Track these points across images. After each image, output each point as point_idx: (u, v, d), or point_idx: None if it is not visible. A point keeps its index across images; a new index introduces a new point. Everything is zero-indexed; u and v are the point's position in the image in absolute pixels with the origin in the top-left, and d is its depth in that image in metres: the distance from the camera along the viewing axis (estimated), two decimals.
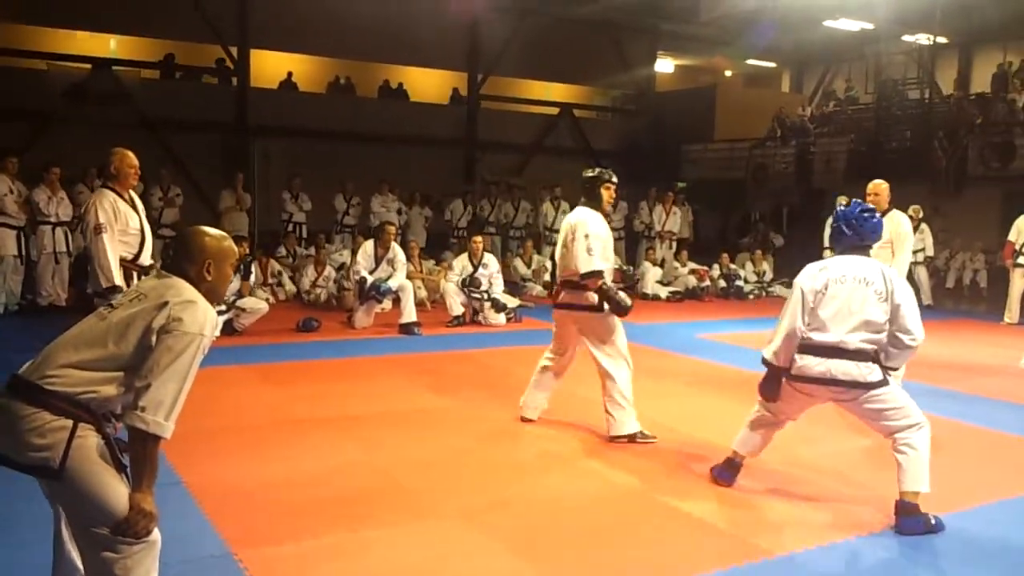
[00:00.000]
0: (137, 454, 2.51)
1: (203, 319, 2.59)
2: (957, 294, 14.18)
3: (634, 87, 20.42)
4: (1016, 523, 4.17)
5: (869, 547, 3.81)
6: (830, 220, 6.24)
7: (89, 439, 2.51)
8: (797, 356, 4.07)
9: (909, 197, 12.97)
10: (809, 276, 4.14)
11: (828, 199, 14.27)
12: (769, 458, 5.08)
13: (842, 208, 4.34)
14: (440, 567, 3.50)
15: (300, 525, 3.85)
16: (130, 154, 5.54)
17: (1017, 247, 10.47)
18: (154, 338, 2.52)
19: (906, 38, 18.44)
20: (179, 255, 2.77)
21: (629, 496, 4.39)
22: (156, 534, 2.61)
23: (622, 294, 5.36)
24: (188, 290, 2.64)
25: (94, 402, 2.53)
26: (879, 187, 6.45)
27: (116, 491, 2.50)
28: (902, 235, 6.56)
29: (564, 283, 5.51)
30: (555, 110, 19.62)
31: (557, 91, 21.06)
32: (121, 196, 5.54)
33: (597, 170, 5.70)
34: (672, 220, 14.44)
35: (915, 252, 12.53)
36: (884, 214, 6.42)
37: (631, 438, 5.30)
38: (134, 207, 5.62)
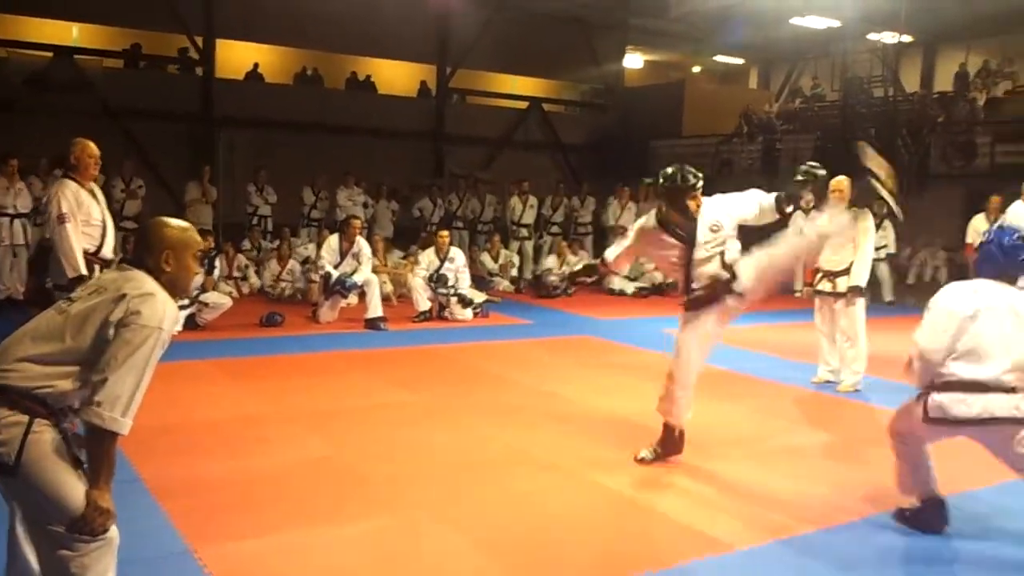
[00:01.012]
0: (94, 450, 2.47)
1: (162, 312, 2.54)
2: (918, 290, 14.35)
3: (603, 82, 20.45)
4: (967, 518, 4.24)
5: (832, 539, 3.85)
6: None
7: (45, 435, 2.46)
8: (935, 395, 3.65)
9: (873, 194, 13.14)
10: (957, 298, 3.73)
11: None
12: (732, 454, 5.12)
13: (997, 231, 3.94)
14: (403, 562, 3.48)
15: (262, 521, 3.82)
16: (91, 144, 5.46)
17: (975, 247, 10.64)
18: (112, 332, 2.48)
19: (871, 36, 18.63)
20: (139, 246, 2.73)
21: (593, 491, 4.40)
22: (114, 531, 2.58)
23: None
24: (148, 282, 2.59)
25: (51, 397, 2.49)
26: (841, 183, 6.51)
27: (73, 488, 2.46)
28: (866, 231, 6.64)
29: None
30: (524, 104, 19.59)
31: (526, 85, 21.03)
32: (82, 187, 5.47)
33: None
34: (627, 215, 14.50)
35: (878, 248, 12.69)
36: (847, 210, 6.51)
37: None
38: (95, 198, 5.55)
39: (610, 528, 3.94)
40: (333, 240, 9.67)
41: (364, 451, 4.93)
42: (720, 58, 24.22)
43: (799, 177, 5.03)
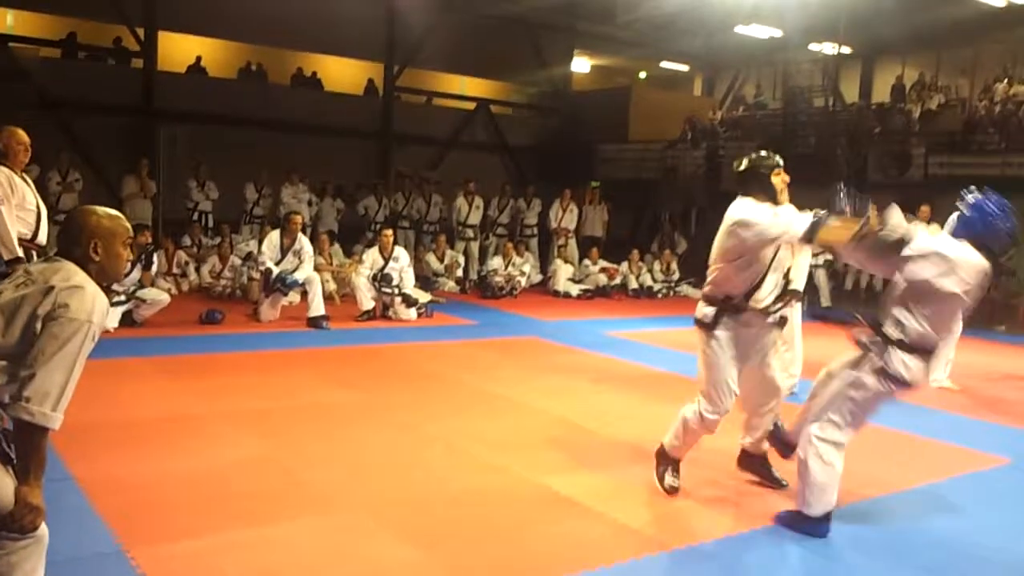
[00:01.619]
0: (24, 446, 2.41)
1: (91, 305, 2.48)
2: (855, 296, 14.71)
3: (550, 85, 20.55)
4: (905, 515, 4.36)
5: (759, 540, 3.93)
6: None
7: None
8: None
9: (812, 201, 13.40)
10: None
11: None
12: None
13: (983, 197, 3.96)
14: (341, 562, 3.46)
15: (197, 522, 3.75)
16: (20, 131, 5.38)
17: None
18: (39, 325, 2.42)
19: (813, 47, 19.07)
20: (66, 236, 2.66)
21: (532, 492, 4.41)
22: (43, 529, 2.52)
23: None
24: (76, 274, 2.53)
25: None
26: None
27: (1, 485, 2.40)
28: None
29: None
30: (471, 105, 19.60)
31: (473, 86, 21.05)
32: (15, 173, 5.38)
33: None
34: (568, 217, 14.62)
35: (816, 255, 12.95)
36: None
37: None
38: (28, 185, 5.46)
39: (550, 527, 3.95)
40: (274, 236, 9.55)
41: (303, 450, 4.88)
42: (666, 64, 24.53)
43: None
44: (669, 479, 4.42)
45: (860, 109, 18.14)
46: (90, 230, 2.62)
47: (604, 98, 21.17)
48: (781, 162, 4.38)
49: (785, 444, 4.44)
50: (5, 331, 2.44)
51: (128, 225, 2.76)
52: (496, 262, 13.14)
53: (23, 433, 2.39)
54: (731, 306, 4.23)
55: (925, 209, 10.76)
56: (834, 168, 15.57)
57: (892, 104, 18.54)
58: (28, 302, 2.45)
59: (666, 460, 4.46)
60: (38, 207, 5.50)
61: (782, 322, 4.42)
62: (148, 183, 12.51)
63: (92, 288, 2.53)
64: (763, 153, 4.41)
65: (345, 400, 6.17)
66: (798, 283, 6.74)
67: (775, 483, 4.60)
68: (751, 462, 4.72)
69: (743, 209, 4.18)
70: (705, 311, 4.30)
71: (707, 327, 4.26)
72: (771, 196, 4.26)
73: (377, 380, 6.87)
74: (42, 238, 5.47)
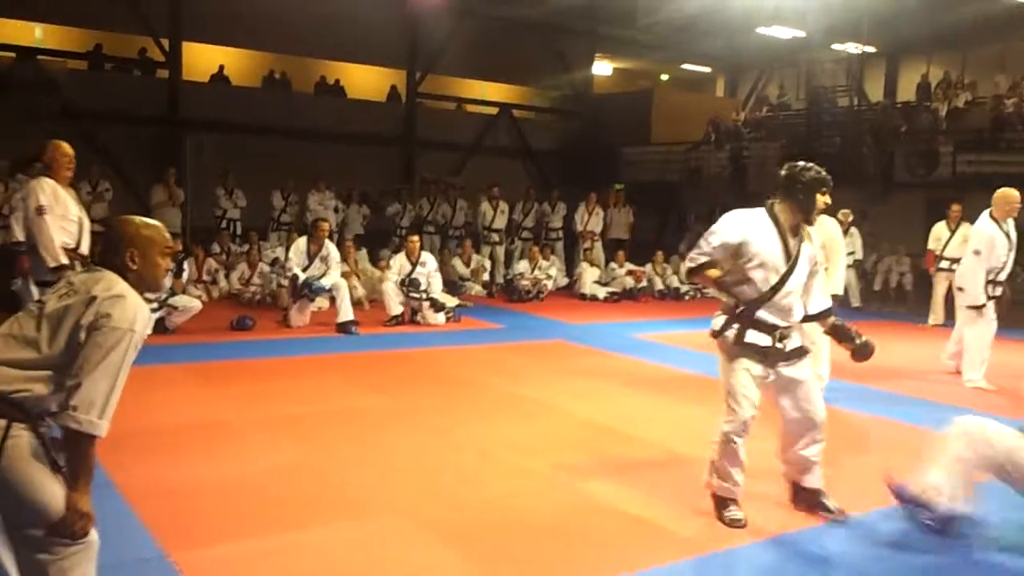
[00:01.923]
0: (72, 454, 2.44)
1: (133, 314, 2.51)
2: (884, 296, 14.59)
3: (572, 89, 20.56)
4: None
5: (803, 540, 3.90)
6: None
7: (23, 439, 2.43)
8: None
9: (838, 201, 13.29)
10: None
11: (762, 202, 14.58)
12: (703, 457, 5.16)
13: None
14: (377, 566, 3.47)
15: (235, 527, 3.78)
16: (64, 144, 5.49)
17: (938, 253, 10.82)
18: (83, 335, 2.45)
19: (836, 47, 18.94)
20: (105, 246, 2.70)
21: (565, 496, 4.41)
22: (94, 535, 2.55)
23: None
24: (117, 284, 2.56)
25: (28, 401, 2.45)
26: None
27: (51, 492, 2.44)
28: (834, 241, 6.61)
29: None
30: (494, 110, 19.65)
31: (496, 91, 21.10)
32: (60, 185, 5.50)
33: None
34: (594, 220, 14.59)
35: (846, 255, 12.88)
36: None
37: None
38: (71, 196, 5.57)
39: (583, 531, 3.94)
40: (301, 243, 9.62)
41: (337, 455, 4.91)
42: (688, 66, 24.47)
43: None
44: (731, 514, 4.03)
45: (885, 108, 17.99)
46: (128, 239, 2.65)
47: (626, 101, 21.16)
48: (830, 182, 4.13)
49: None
50: (51, 342, 2.48)
51: (167, 235, 2.79)
52: (522, 266, 13.15)
53: (71, 441, 2.43)
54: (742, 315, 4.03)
55: (956, 208, 10.65)
56: (860, 168, 15.47)
57: (918, 102, 18.38)
58: (71, 313, 2.49)
59: (723, 503, 4.08)
60: (80, 218, 5.63)
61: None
62: (176, 191, 12.63)
63: (133, 297, 2.56)
64: (813, 167, 4.14)
65: (376, 405, 6.20)
66: (837, 287, 6.65)
67: (828, 512, 4.17)
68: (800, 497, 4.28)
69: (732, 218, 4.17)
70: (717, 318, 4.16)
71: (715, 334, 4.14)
72: (805, 211, 4.07)
73: (407, 384, 6.90)
74: (84, 248, 5.59)
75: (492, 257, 14.12)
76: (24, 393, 2.44)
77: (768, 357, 4.03)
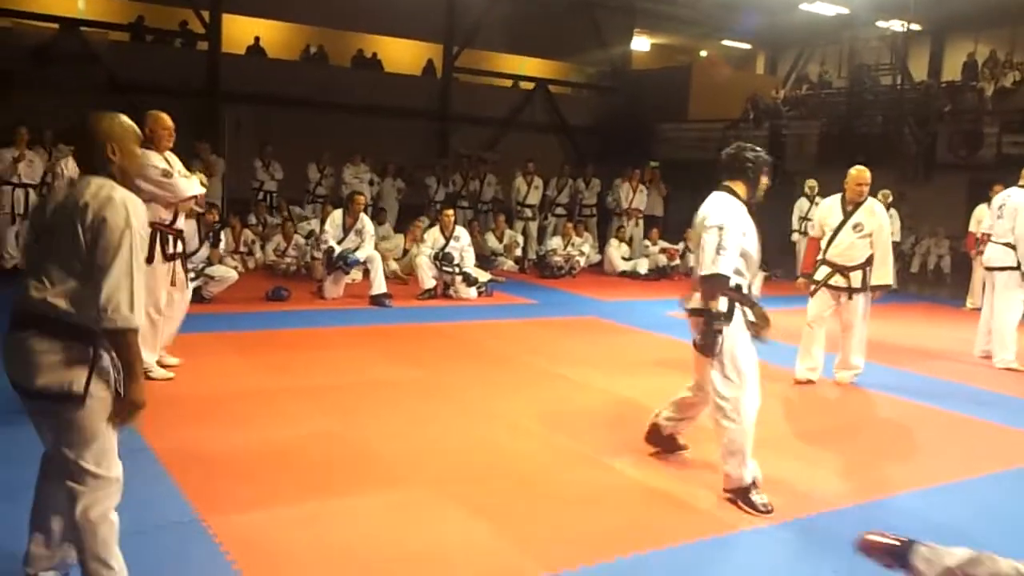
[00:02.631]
0: (119, 350, 2.61)
1: (125, 211, 2.59)
2: (921, 279, 14.40)
3: (610, 64, 20.38)
4: (972, 504, 4.27)
5: (834, 522, 3.88)
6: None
7: (103, 361, 2.63)
8: None
9: (878, 182, 13.10)
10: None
11: (799, 182, 14.39)
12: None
13: None
14: (409, 535, 3.52)
15: (268, 494, 3.85)
16: (164, 116, 5.58)
17: (978, 236, 10.64)
18: (87, 241, 2.55)
19: (880, 24, 18.57)
20: (82, 145, 2.76)
21: (599, 470, 4.43)
22: (119, 471, 2.71)
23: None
24: (103, 186, 2.64)
25: (88, 319, 2.58)
26: (865, 175, 6.47)
27: (106, 430, 2.65)
28: (881, 226, 6.44)
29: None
30: (530, 85, 19.54)
31: (532, 66, 20.96)
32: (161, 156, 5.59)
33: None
34: (639, 198, 14.48)
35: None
36: (861, 203, 6.43)
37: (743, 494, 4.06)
38: (171, 166, 5.64)
39: (613, 506, 3.96)
40: (337, 215, 9.68)
41: (370, 426, 4.96)
42: (728, 43, 24.13)
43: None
44: (757, 499, 3.96)
45: (929, 87, 17.63)
46: (105, 133, 2.73)
47: (664, 77, 20.93)
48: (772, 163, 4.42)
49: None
50: (70, 259, 2.59)
51: (134, 125, 2.85)
52: (555, 242, 13.13)
53: (115, 340, 2.59)
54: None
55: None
56: (901, 148, 15.22)
57: (963, 82, 17.98)
58: (67, 226, 2.58)
59: (744, 490, 4.02)
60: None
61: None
62: (215, 162, 12.71)
63: (121, 194, 2.64)
64: (756, 147, 4.35)
65: (408, 377, 6.25)
66: (888, 276, 6.54)
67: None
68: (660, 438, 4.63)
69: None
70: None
71: None
72: (755, 190, 4.25)
73: (439, 358, 6.94)
74: (179, 223, 5.67)
75: (525, 233, 14.11)
76: (82, 312, 2.57)
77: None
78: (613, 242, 13.55)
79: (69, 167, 7.31)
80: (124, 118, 2.82)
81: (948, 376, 7.21)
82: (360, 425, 4.97)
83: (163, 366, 5.73)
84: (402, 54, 19.77)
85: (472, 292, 10.01)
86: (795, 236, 13.37)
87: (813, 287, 6.64)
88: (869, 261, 6.44)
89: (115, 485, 2.72)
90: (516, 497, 4.01)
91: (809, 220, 13.45)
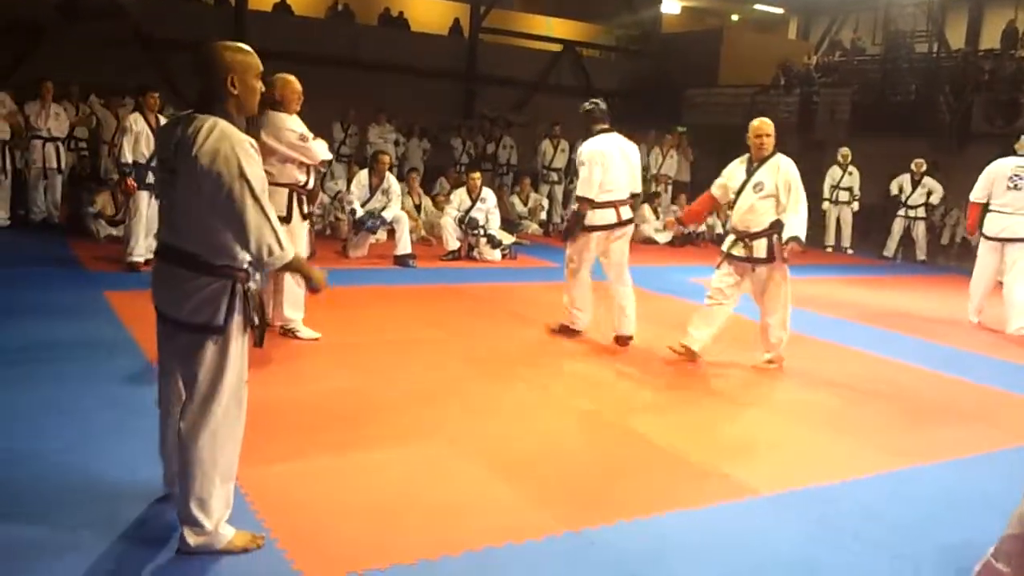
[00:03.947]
0: (290, 272, 3.22)
1: (236, 161, 2.58)
2: (951, 251, 14.21)
3: (639, 27, 20.11)
4: (1003, 475, 4.23)
5: (853, 490, 3.86)
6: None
7: (239, 301, 2.76)
8: None
9: (910, 151, 12.91)
10: None
11: (828, 150, 14.18)
12: (760, 403, 5.14)
13: None
14: (428, 489, 3.53)
15: (292, 446, 3.88)
16: (293, 80, 5.66)
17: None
18: (209, 192, 2.59)
19: None
20: (202, 75, 2.71)
21: (621, 433, 4.42)
22: (240, 399, 2.90)
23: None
24: (210, 135, 2.59)
25: (227, 257, 2.71)
26: (765, 127, 5.79)
27: (243, 353, 2.85)
28: (791, 182, 5.66)
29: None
30: (558, 47, 19.33)
31: (560, 27, 20.73)
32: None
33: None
34: (669, 163, 14.34)
35: (915, 207, 12.54)
36: (767, 160, 5.75)
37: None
38: None
39: (635, 469, 3.96)
40: (363, 176, 9.66)
41: (392, 383, 4.98)
42: (759, 7, 23.70)
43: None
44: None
45: (966, 55, 17.25)
46: (227, 64, 2.70)
47: (694, 41, 20.62)
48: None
49: None
50: (184, 201, 2.67)
51: (258, 59, 2.81)
52: None
53: (281, 272, 3.20)
54: None
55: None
56: (935, 117, 14.94)
57: (1002, 50, 17.56)
58: (187, 174, 2.62)
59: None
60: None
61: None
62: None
63: (228, 145, 2.60)
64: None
65: (431, 337, 6.25)
66: (799, 227, 5.60)
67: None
68: None
69: None
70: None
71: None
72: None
73: (462, 319, 6.94)
74: (311, 183, 5.81)
75: (550, 196, 14.03)
76: (222, 250, 2.70)
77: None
78: (645, 207, 13.44)
79: (138, 124, 7.46)
80: (247, 49, 2.79)
81: (974, 348, 7.13)
82: (382, 383, 4.99)
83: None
84: (429, 13, 19.62)
85: (496, 254, 9.99)
86: (825, 205, 13.27)
87: (719, 259, 6.07)
88: (775, 227, 5.65)
89: (235, 410, 2.88)
90: (537, 457, 4.01)
91: (841, 188, 13.34)
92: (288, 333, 5.80)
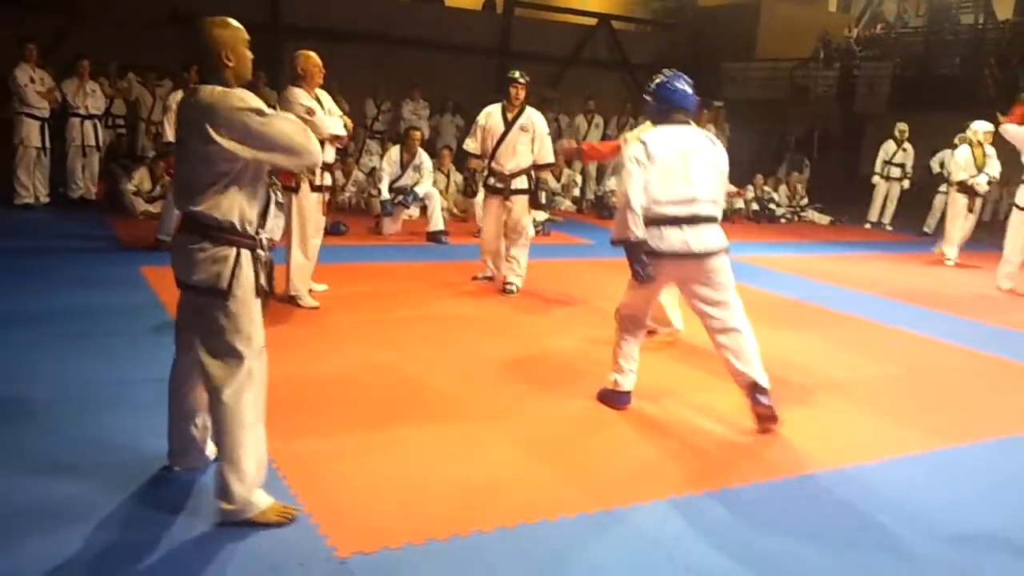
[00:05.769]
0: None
1: (245, 106, 2.75)
2: (992, 227, 13.90)
3: (675, 0, 19.81)
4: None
5: (886, 471, 3.80)
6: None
7: (245, 266, 2.86)
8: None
9: (952, 126, 12.61)
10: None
11: (869, 125, 13.92)
12: (791, 377, 5.08)
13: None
14: (461, 466, 3.54)
15: (324, 422, 3.90)
16: (313, 54, 5.83)
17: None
18: (225, 145, 2.72)
19: None
20: (199, 50, 2.90)
21: (656, 411, 4.39)
22: (257, 349, 2.96)
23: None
24: (212, 94, 2.77)
25: (239, 218, 2.82)
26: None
27: (254, 318, 2.93)
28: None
29: None
30: (593, 21, 19.10)
31: (595, 1, 20.48)
32: (308, 93, 5.76)
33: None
34: None
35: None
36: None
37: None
38: (320, 103, 5.84)
39: (670, 448, 3.93)
40: (394, 152, 9.66)
41: (424, 360, 4.98)
42: None
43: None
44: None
45: (1014, 26, 16.78)
46: (218, 41, 2.87)
47: (732, 13, 20.24)
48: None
49: None
50: (192, 168, 2.81)
51: (244, 31, 2.97)
52: (614, 182, 12.93)
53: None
54: None
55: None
56: (979, 91, 14.58)
57: None
58: (194, 137, 2.76)
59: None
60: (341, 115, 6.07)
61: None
62: (267, 94, 12.70)
63: (229, 103, 2.75)
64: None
65: (465, 313, 6.26)
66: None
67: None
68: None
69: None
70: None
71: None
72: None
73: (496, 295, 6.93)
74: (329, 156, 5.89)
75: (583, 173, 13.94)
76: (233, 214, 2.82)
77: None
78: None
79: (178, 99, 7.44)
80: (233, 23, 2.95)
81: (1011, 325, 7.00)
82: (416, 358, 4.99)
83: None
84: None
85: (530, 231, 9.92)
86: (875, 179, 13.13)
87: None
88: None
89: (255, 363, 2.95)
90: (572, 435, 4.01)
91: (893, 164, 13.13)
92: (291, 300, 5.96)
